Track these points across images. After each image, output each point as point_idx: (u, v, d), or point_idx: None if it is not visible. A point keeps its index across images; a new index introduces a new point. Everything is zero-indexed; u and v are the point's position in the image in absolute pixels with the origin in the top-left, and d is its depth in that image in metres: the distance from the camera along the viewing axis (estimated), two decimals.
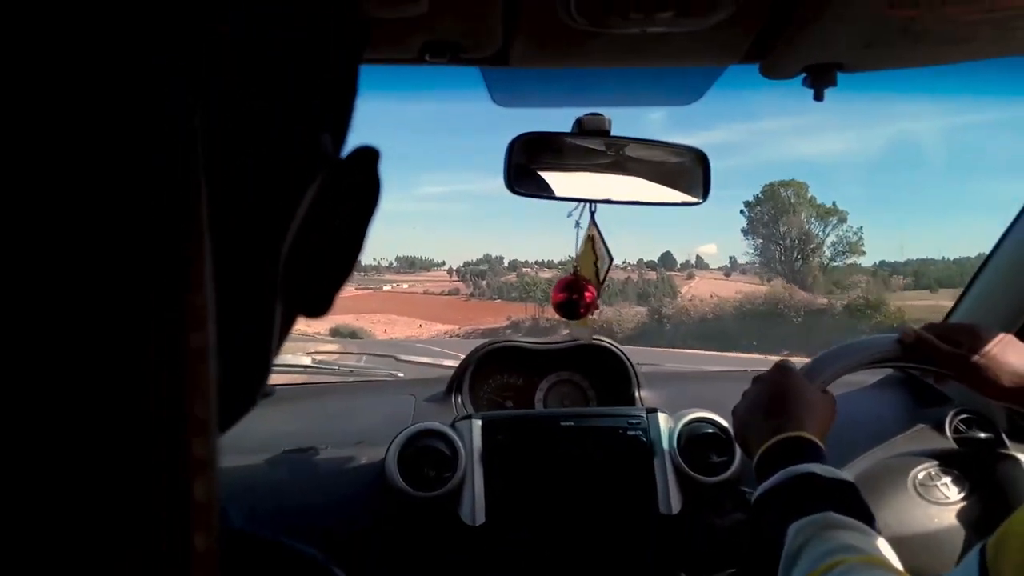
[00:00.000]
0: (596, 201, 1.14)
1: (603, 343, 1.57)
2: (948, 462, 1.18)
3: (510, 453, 1.29)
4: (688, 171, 1.15)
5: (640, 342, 28.30)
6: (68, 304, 0.15)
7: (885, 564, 0.73)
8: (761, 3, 0.72)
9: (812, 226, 48.43)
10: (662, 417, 1.34)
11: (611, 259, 1.16)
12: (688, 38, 0.78)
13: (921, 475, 1.15)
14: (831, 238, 48.67)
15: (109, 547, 0.15)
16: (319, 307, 0.30)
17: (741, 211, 49.85)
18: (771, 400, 0.94)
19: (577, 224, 1.15)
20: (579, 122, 1.05)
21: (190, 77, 0.17)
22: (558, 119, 1.12)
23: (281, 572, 0.32)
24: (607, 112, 1.07)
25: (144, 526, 0.16)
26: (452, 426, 1.31)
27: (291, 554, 0.33)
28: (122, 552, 0.15)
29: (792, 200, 47.63)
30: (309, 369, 1.78)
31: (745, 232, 50.30)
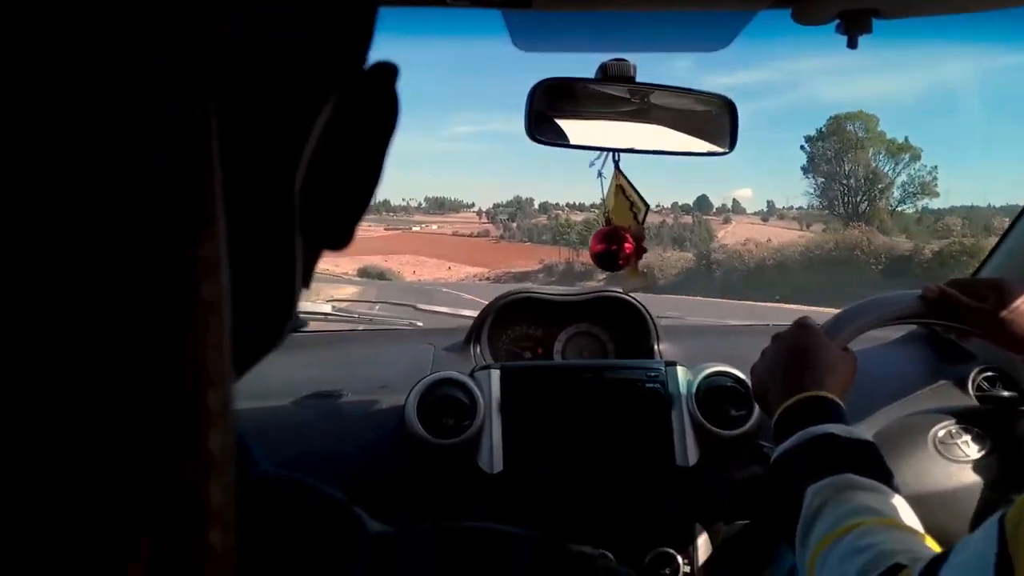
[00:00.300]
0: (620, 150, 1.11)
1: (623, 295, 1.56)
2: (969, 420, 1.17)
3: (528, 403, 1.30)
4: (715, 119, 1.12)
5: (685, 290, 26.50)
6: (71, 255, 0.15)
7: (903, 526, 0.72)
8: None
9: (881, 163, 42.99)
10: (680, 370, 1.34)
11: (647, 205, 1.13)
12: None
13: (942, 433, 1.15)
14: (901, 178, 43.35)
15: (124, 498, 0.15)
16: (340, 238, 0.29)
17: (801, 147, 44.47)
18: (791, 358, 0.93)
19: (600, 174, 1.13)
20: (603, 68, 1.02)
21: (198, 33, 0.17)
22: (583, 64, 1.09)
23: (307, 513, 0.32)
24: (632, 58, 1.04)
25: (158, 477, 0.15)
26: (471, 375, 1.32)
27: (317, 496, 0.33)
28: (137, 503, 0.15)
29: (860, 135, 42.11)
30: (329, 317, 1.80)
31: (804, 170, 44.73)
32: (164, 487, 0.15)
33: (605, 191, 1.17)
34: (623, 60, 1.02)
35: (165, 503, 0.15)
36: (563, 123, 1.07)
